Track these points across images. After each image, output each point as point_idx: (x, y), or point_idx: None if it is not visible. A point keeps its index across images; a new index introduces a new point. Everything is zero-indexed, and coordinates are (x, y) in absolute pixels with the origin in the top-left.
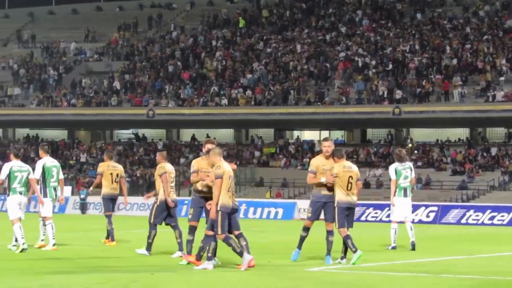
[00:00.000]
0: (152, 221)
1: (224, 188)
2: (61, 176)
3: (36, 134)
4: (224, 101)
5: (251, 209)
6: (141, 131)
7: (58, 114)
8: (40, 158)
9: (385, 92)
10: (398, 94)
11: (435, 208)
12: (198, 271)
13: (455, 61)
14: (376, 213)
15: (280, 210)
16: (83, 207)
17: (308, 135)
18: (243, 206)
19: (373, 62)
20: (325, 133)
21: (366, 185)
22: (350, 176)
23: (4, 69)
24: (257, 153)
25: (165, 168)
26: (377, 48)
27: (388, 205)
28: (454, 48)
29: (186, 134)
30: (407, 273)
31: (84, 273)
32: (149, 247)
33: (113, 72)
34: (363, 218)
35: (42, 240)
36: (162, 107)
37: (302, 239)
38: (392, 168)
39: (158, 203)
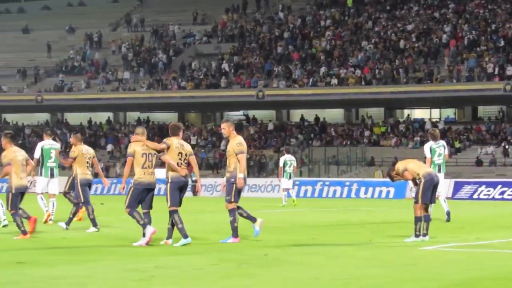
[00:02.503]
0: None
1: (138, 165)
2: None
3: (147, 117)
4: (334, 81)
5: (363, 189)
6: (251, 113)
7: (168, 97)
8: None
9: (496, 69)
10: (509, 70)
11: None
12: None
13: None
14: (489, 191)
15: (392, 189)
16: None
17: (418, 113)
18: (354, 185)
19: (483, 39)
20: (435, 112)
21: (479, 162)
22: None
23: (114, 53)
24: (367, 133)
25: (80, 151)
26: (486, 25)
27: (501, 183)
28: None
29: (296, 115)
30: None
31: (196, 254)
32: (93, 222)
33: (222, 54)
34: (475, 196)
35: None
36: (272, 88)
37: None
38: (427, 146)
39: (78, 181)
